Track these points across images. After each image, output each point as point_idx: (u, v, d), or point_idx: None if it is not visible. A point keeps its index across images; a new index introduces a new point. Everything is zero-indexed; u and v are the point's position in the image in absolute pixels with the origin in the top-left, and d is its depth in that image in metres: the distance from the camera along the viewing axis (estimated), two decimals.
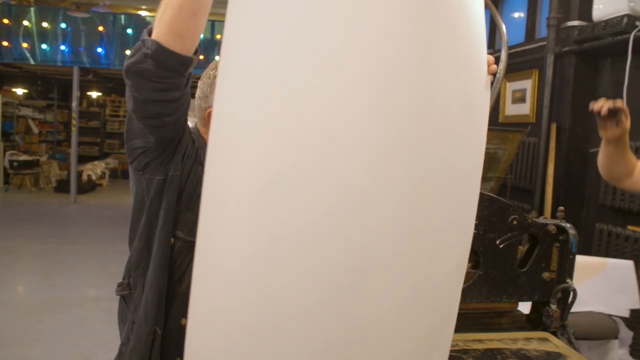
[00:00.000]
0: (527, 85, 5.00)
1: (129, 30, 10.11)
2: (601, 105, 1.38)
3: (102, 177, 12.43)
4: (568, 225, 1.81)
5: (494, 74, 1.07)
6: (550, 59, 4.37)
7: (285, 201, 0.70)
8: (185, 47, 1.05)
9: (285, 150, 0.70)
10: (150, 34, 1.05)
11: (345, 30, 0.71)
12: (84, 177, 11.32)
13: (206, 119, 1.35)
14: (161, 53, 1.02)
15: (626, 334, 2.97)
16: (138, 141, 1.19)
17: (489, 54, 1.01)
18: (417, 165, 0.79)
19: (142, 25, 10.18)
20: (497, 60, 1.12)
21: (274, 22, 0.69)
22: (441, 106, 0.81)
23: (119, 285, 1.29)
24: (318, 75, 0.71)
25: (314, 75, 0.70)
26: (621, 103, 1.37)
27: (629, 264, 3.05)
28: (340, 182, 0.72)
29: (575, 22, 4.23)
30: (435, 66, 0.80)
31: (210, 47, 9.98)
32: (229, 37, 0.70)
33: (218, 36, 9.97)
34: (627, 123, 1.45)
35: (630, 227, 3.88)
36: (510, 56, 5.14)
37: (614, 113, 1.39)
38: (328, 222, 0.72)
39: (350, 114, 0.72)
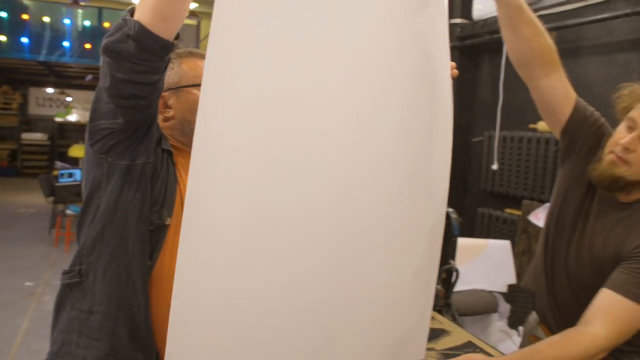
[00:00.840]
0: None
1: (2, 14, 9.26)
2: None
3: None
4: (450, 209, 1.94)
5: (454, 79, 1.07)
6: None
7: (270, 201, 0.74)
8: (168, 31, 1.05)
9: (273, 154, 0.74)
10: (132, 14, 1.04)
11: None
12: None
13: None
14: (144, 35, 1.02)
15: (504, 307, 3.25)
16: (105, 122, 1.13)
17: None
18: (404, 170, 0.84)
19: (19, 8, 9.36)
20: None
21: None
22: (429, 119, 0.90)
23: (67, 272, 1.20)
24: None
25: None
26: None
27: (506, 243, 3.34)
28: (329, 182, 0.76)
29: (458, 20, 4.51)
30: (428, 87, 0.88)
31: (98, 35, 9.45)
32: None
33: (106, 24, 9.46)
34: None
35: (507, 210, 4.24)
36: None
37: None
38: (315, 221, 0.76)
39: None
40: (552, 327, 1.52)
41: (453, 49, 4.56)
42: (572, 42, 3.79)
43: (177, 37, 1.11)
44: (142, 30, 1.01)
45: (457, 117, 3.70)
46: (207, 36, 9.39)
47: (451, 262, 1.98)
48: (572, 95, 1.38)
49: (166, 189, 1.22)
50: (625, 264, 1.24)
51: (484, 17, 4.13)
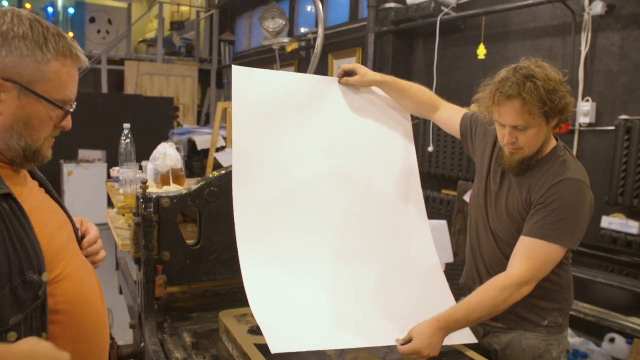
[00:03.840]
0: (352, 62, 5.29)
1: None
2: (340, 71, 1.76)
3: None
4: None
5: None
6: (371, 38, 4.66)
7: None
8: None
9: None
10: None
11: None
12: None
13: None
14: None
15: None
16: None
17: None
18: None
19: None
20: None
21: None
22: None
23: None
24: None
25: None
26: (353, 66, 1.74)
27: (443, 223, 3.42)
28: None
29: (392, 4, 4.55)
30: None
31: None
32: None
33: (27, 5, 8.91)
34: (365, 75, 1.73)
35: (444, 191, 4.35)
36: (336, 34, 5.37)
37: (348, 73, 1.73)
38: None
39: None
40: None
41: (388, 32, 4.60)
42: (501, 26, 3.92)
43: None
44: None
45: None
46: (138, 19, 8.91)
47: None
48: (460, 112, 1.78)
49: (22, 242, 0.93)
50: (533, 211, 1.45)
51: (417, 1, 4.18)
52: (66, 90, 1.01)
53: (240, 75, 1.55)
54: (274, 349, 1.22)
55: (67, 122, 1.05)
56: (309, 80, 1.70)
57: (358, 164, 1.67)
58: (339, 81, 1.73)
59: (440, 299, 1.55)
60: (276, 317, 1.32)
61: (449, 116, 1.78)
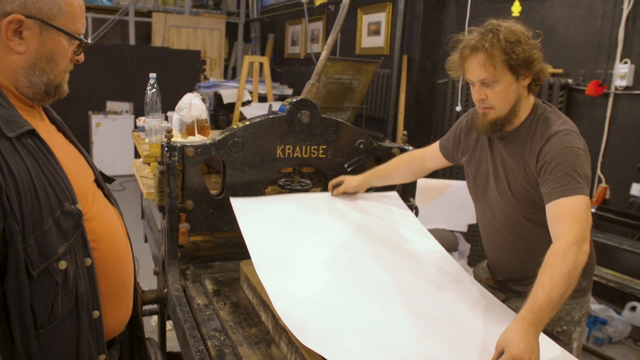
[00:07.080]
0: (382, 18, 5.15)
1: None
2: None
3: None
4: (411, 147, 1.94)
5: None
6: None
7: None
8: None
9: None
10: None
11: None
12: None
13: (3, 33, 0.97)
14: None
15: (464, 246, 3.34)
16: None
17: None
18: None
19: None
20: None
21: None
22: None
23: None
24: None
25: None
26: (338, 179, 1.85)
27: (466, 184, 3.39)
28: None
29: None
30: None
31: None
32: None
33: None
34: (350, 181, 1.84)
35: None
36: None
37: (336, 185, 1.84)
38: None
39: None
40: (494, 276, 1.77)
41: None
42: None
43: None
44: None
45: (422, 59, 3.70)
46: None
47: (411, 199, 2.00)
48: (436, 144, 1.84)
49: (54, 176, 0.99)
50: (541, 178, 1.41)
51: None
52: (79, 23, 1.05)
53: (240, 204, 1.68)
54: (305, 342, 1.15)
55: (81, 55, 1.11)
56: (304, 196, 1.85)
57: (367, 240, 1.68)
58: (331, 194, 1.85)
59: (484, 302, 1.48)
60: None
61: (433, 155, 1.84)
